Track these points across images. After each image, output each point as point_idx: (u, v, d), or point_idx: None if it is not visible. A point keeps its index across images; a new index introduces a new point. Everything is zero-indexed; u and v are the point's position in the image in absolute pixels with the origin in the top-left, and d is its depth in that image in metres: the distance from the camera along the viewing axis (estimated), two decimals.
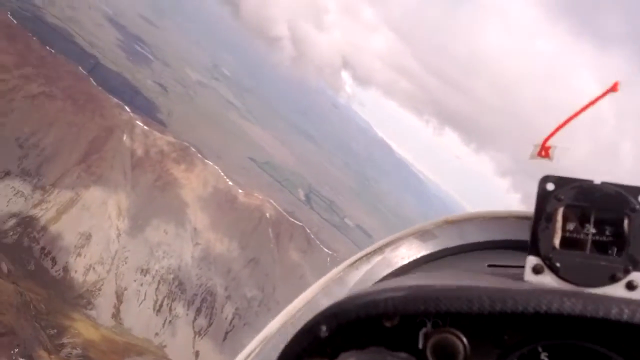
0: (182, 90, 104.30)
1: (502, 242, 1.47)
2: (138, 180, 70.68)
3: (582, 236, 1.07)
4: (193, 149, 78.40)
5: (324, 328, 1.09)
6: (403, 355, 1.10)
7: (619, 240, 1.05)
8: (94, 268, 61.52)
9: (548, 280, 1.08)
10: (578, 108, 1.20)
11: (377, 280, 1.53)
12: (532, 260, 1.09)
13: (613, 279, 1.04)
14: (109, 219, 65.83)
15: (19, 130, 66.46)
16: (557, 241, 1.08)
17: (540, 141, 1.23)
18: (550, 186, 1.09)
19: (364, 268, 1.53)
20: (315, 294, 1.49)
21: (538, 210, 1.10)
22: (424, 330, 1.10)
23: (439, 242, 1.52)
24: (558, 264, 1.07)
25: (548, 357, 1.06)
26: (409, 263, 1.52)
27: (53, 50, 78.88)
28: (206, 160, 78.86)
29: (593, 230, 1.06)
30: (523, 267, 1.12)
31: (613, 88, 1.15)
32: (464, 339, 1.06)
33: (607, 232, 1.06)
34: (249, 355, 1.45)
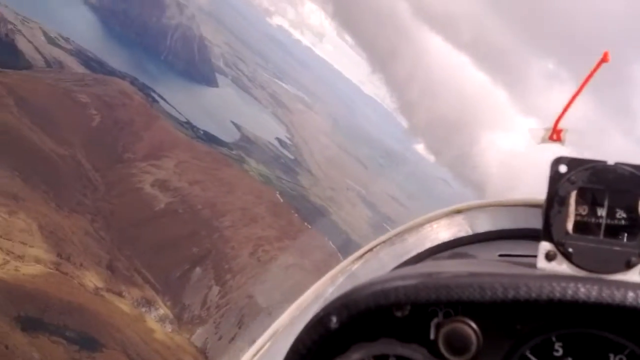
0: None
1: (513, 231, 1.42)
2: None
3: (595, 220, 1.03)
4: None
5: (334, 319, 1.07)
6: (414, 346, 1.07)
7: (634, 224, 1.01)
8: None
9: (561, 267, 1.04)
10: (577, 86, 1.16)
11: (386, 272, 1.49)
12: (545, 246, 1.06)
13: (628, 265, 1.00)
14: None
15: (271, 298, 70.45)
16: (570, 226, 1.04)
17: (550, 125, 1.18)
18: (562, 168, 1.05)
19: (373, 260, 1.50)
20: (325, 286, 1.46)
21: (551, 193, 1.05)
22: (435, 320, 1.07)
23: (448, 233, 1.48)
24: (571, 250, 1.03)
25: (562, 347, 1.02)
26: (419, 254, 1.48)
27: (310, 226, 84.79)
28: None
29: (607, 214, 1.02)
30: (535, 256, 1.07)
31: (604, 59, 1.11)
32: (477, 329, 1.03)
33: (622, 216, 1.02)
34: (260, 349, 1.43)
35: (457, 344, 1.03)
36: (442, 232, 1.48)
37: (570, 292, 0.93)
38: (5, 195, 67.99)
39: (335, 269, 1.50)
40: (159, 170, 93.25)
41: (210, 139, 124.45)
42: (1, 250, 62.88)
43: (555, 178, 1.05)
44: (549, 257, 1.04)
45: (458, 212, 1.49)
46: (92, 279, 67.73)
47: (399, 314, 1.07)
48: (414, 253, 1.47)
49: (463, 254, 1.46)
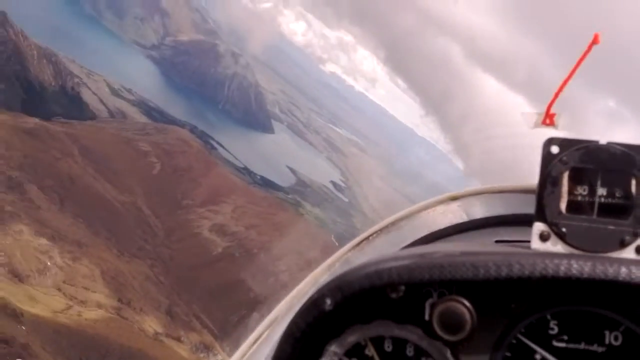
0: None
1: (509, 217, 1.42)
2: None
3: (588, 199, 1.03)
4: None
5: (328, 301, 1.07)
6: (410, 327, 1.08)
7: (627, 203, 1.02)
8: None
9: (555, 247, 1.04)
10: (569, 70, 1.16)
11: None
12: (538, 227, 1.06)
13: (622, 244, 1.00)
14: None
15: None
16: (563, 206, 1.04)
17: (542, 109, 1.18)
18: (554, 149, 1.06)
19: (369, 248, 1.50)
20: (322, 274, 1.47)
21: (543, 174, 1.06)
22: (430, 300, 1.07)
23: (444, 220, 1.48)
24: (565, 230, 1.03)
25: (557, 325, 1.03)
26: (414, 242, 1.48)
27: None
28: None
29: (600, 193, 1.03)
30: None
31: (595, 41, 1.11)
32: (471, 307, 1.03)
33: (615, 195, 1.02)
34: (259, 337, 1.43)
35: (452, 322, 1.03)
36: (438, 219, 1.47)
37: (563, 268, 0.94)
38: (69, 241, 69.50)
39: (332, 257, 1.50)
40: (216, 215, 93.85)
41: (266, 183, 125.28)
42: (64, 296, 63.77)
43: (547, 159, 1.06)
44: (543, 237, 1.05)
45: (454, 199, 1.48)
46: (151, 324, 67.52)
47: (393, 295, 1.07)
48: (410, 240, 1.46)
49: (459, 241, 1.45)
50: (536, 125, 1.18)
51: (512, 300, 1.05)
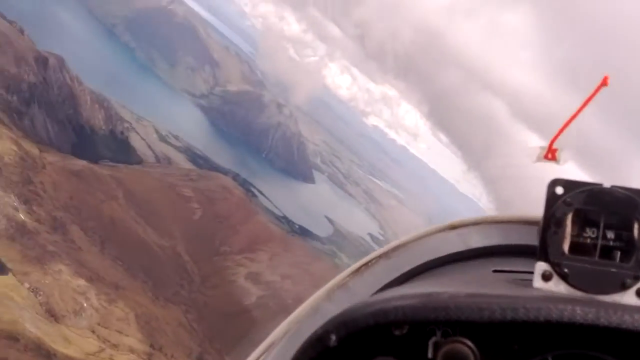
0: None
1: (507, 247, 1.42)
2: None
3: (591, 241, 1.04)
4: None
5: (333, 337, 1.05)
6: None
7: (629, 246, 1.02)
8: None
9: (557, 287, 1.04)
10: (576, 108, 1.17)
11: (381, 286, 1.51)
12: (541, 267, 1.06)
13: (623, 287, 1.01)
14: None
15: None
16: (566, 247, 1.04)
17: (545, 144, 1.18)
18: (559, 190, 1.06)
19: (368, 274, 1.50)
20: (320, 300, 1.47)
21: (547, 214, 1.06)
22: (433, 339, 1.06)
23: (443, 248, 1.48)
24: (567, 271, 1.04)
25: None
26: (413, 269, 1.48)
27: None
28: None
29: (602, 235, 1.03)
30: (529, 272, 1.09)
31: (604, 82, 1.12)
32: (475, 349, 1.02)
33: (617, 237, 1.03)
34: None
35: None
36: (437, 246, 1.49)
37: (567, 314, 0.94)
38: (107, 283, 69.63)
39: (330, 283, 1.50)
40: (253, 263, 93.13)
41: (304, 233, 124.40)
42: (98, 338, 63.36)
43: (551, 199, 1.06)
44: (545, 277, 1.05)
45: (452, 227, 1.49)
46: None
47: (397, 332, 1.06)
48: (408, 267, 1.47)
49: (457, 270, 1.47)
50: (538, 159, 1.18)
51: (515, 342, 1.04)
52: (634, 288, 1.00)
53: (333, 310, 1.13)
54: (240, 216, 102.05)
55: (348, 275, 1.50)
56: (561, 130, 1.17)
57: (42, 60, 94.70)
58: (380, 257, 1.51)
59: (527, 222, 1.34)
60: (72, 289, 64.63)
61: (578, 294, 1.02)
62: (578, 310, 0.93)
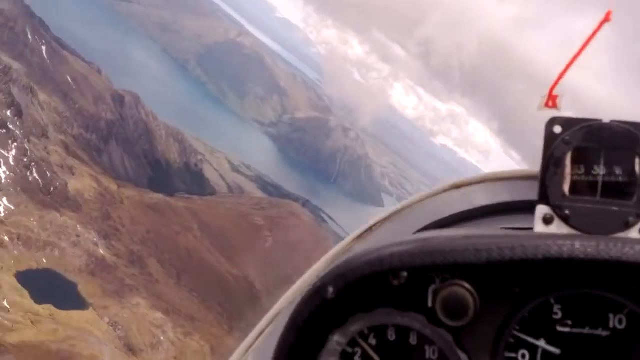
0: None
1: (513, 204, 1.36)
2: None
3: (592, 180, 1.00)
4: None
5: (330, 289, 1.04)
6: (413, 314, 1.05)
7: (631, 183, 0.99)
8: None
9: (559, 230, 1.02)
10: (576, 49, 1.11)
11: None
12: (541, 210, 1.04)
13: (626, 225, 0.98)
14: None
15: None
16: (566, 187, 1.02)
17: (545, 91, 1.15)
18: (557, 129, 1.03)
19: (372, 238, 1.45)
20: (324, 267, 1.43)
21: (546, 155, 1.03)
22: (432, 287, 1.04)
23: (448, 208, 1.42)
24: (568, 212, 1.01)
25: (561, 309, 0.99)
26: (417, 231, 1.42)
27: None
28: None
29: (603, 173, 1.00)
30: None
31: (606, 18, 1.06)
32: (474, 292, 1.00)
33: (618, 175, 0.99)
34: (261, 332, 1.41)
35: (455, 308, 1.00)
36: (442, 208, 1.42)
37: (566, 249, 0.91)
38: (183, 316, 69.44)
39: (334, 249, 1.46)
40: None
41: None
42: None
43: (550, 139, 1.03)
44: (547, 220, 1.03)
45: (456, 187, 1.42)
46: None
47: (395, 282, 1.04)
48: (413, 230, 1.41)
49: (463, 230, 1.40)
50: (539, 109, 1.13)
51: (515, 284, 1.01)
52: (638, 226, 0.98)
53: None
54: (310, 242, 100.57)
55: (352, 241, 1.45)
56: (561, 76, 1.12)
57: (118, 98, 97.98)
58: (384, 220, 1.45)
59: (533, 177, 1.28)
60: (150, 322, 64.72)
61: (580, 235, 1.00)
62: (577, 245, 0.91)
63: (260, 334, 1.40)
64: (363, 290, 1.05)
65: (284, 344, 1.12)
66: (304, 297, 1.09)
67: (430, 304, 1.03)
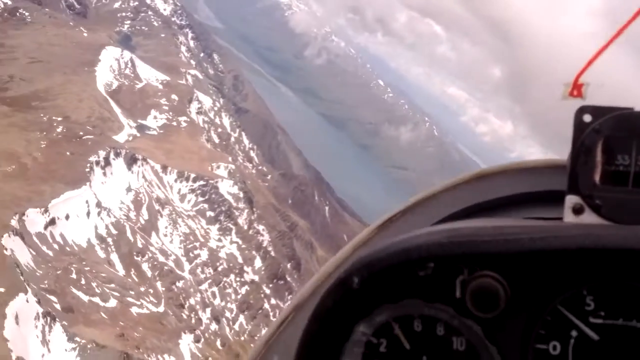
0: None
1: (537, 194, 1.30)
2: None
3: (623, 169, 0.95)
4: None
5: (356, 279, 0.99)
6: (440, 306, 0.99)
7: None
8: None
9: (590, 220, 0.96)
10: (607, 39, 1.02)
11: None
12: (571, 200, 0.97)
13: None
14: None
15: None
16: (597, 177, 0.96)
17: (571, 80, 1.07)
18: (587, 117, 0.97)
19: (394, 228, 1.38)
20: (347, 256, 1.37)
21: (576, 144, 0.97)
22: (460, 277, 0.98)
23: (470, 198, 1.35)
24: (599, 202, 0.95)
25: (593, 300, 0.93)
26: (440, 220, 1.36)
27: None
28: None
29: (635, 163, 0.94)
30: (561, 218, 0.99)
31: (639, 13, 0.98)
32: (505, 283, 0.94)
33: None
34: (284, 320, 1.36)
35: (485, 299, 0.93)
36: (465, 197, 1.34)
37: (601, 239, 0.87)
38: None
39: (355, 239, 1.39)
40: None
41: None
42: None
43: (580, 128, 0.97)
44: (576, 210, 0.97)
45: (479, 177, 1.35)
46: None
47: (422, 273, 0.98)
48: (435, 220, 1.34)
49: (486, 220, 1.33)
50: (563, 97, 1.06)
51: (546, 275, 0.95)
52: None
53: None
54: None
55: (373, 230, 1.39)
56: (588, 64, 1.04)
57: None
58: (405, 210, 1.39)
59: (557, 167, 1.22)
60: None
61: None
62: (612, 234, 0.87)
63: (282, 324, 1.34)
64: (388, 280, 1.00)
65: (307, 334, 1.07)
66: (329, 287, 1.03)
67: (458, 294, 0.98)
